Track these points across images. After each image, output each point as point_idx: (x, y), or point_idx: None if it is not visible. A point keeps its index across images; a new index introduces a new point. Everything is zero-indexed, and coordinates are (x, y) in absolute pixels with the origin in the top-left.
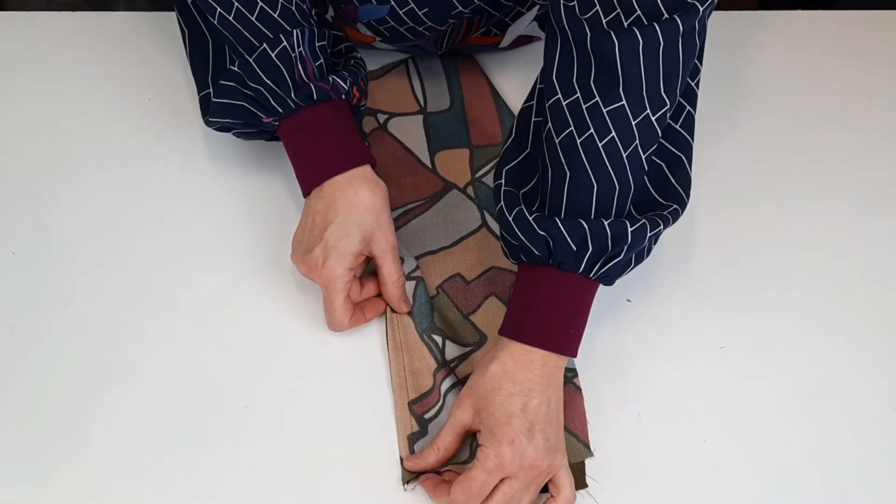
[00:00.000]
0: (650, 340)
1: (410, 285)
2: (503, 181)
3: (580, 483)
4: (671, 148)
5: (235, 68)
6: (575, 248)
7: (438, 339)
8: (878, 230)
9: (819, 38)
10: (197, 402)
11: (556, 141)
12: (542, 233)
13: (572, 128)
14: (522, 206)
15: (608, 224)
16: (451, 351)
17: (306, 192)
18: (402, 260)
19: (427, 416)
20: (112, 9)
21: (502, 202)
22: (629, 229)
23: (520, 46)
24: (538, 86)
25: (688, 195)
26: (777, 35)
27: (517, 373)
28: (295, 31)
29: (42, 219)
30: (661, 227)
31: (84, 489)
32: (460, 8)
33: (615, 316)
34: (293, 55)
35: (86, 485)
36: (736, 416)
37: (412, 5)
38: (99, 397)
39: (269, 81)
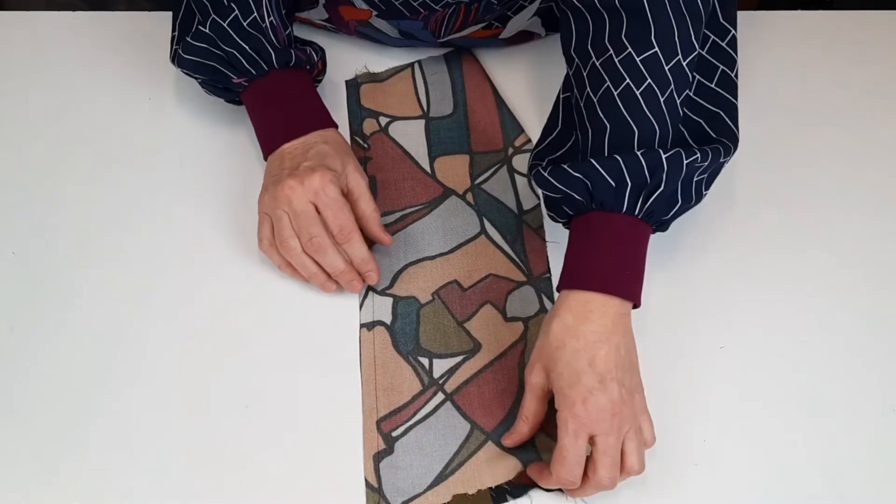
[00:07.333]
0: (650, 340)
1: (387, 301)
2: (537, 159)
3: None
4: (707, 105)
5: (207, 30)
6: (614, 185)
7: (425, 360)
8: (878, 230)
9: (819, 38)
10: (197, 402)
11: (595, 100)
12: (578, 175)
13: (608, 83)
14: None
15: (641, 154)
16: (440, 367)
17: (272, 149)
18: (367, 287)
19: (395, 433)
20: (112, 9)
21: (536, 169)
22: (663, 156)
23: (521, 43)
24: (568, 73)
25: (733, 142)
26: (777, 35)
27: (578, 327)
28: None
29: (42, 219)
30: (698, 155)
31: (84, 489)
32: None
33: None
34: (264, 25)
35: (86, 485)
36: (736, 416)
37: None
38: (99, 397)
39: (245, 45)
